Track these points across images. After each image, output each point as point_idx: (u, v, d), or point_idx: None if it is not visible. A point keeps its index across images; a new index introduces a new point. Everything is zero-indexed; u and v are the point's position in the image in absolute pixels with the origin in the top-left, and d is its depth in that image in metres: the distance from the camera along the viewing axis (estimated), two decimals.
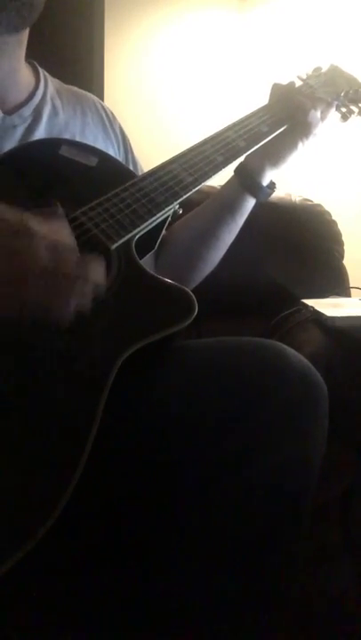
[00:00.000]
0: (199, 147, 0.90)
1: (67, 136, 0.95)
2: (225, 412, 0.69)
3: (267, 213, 1.34)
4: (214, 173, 0.88)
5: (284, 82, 1.05)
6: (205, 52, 1.96)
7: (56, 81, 1.02)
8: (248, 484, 0.68)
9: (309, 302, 1.15)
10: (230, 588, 0.71)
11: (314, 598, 0.97)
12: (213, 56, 1.98)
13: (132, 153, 1.06)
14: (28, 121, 0.91)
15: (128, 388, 0.69)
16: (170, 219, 0.86)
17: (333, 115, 1.12)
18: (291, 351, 0.74)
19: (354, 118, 1.12)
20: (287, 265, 1.38)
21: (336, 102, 1.05)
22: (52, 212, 0.68)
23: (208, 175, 0.87)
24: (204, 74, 1.96)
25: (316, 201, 1.49)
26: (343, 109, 1.11)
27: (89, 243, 0.74)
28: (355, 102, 1.12)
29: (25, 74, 0.96)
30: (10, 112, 0.90)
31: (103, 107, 1.05)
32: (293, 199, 1.45)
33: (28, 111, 0.92)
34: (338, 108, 1.11)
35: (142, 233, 0.79)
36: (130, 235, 0.76)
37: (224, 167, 0.90)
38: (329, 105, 1.01)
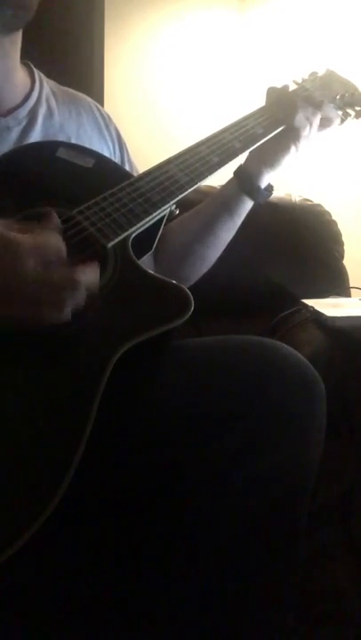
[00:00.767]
0: (195, 147, 0.91)
1: (62, 137, 0.95)
2: (224, 411, 0.69)
3: (267, 213, 1.34)
4: (210, 174, 0.89)
5: (281, 84, 1.05)
6: (205, 52, 1.96)
7: (51, 82, 1.02)
8: (247, 483, 0.68)
9: (309, 302, 1.15)
10: (230, 588, 0.71)
11: (314, 598, 0.97)
12: (213, 56, 1.98)
13: (128, 154, 1.06)
14: (23, 123, 0.92)
15: (127, 387, 0.69)
16: (166, 219, 0.87)
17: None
18: (290, 351, 0.75)
19: (350, 121, 1.13)
20: (287, 265, 1.38)
21: (331, 105, 1.06)
22: (45, 212, 0.68)
23: (204, 175, 0.88)
24: (204, 74, 1.96)
25: (316, 201, 1.49)
26: (339, 112, 1.12)
27: (85, 241, 0.74)
28: (351, 105, 1.13)
29: (20, 75, 0.96)
30: (5, 114, 0.91)
31: (98, 108, 1.06)
32: (293, 199, 1.45)
33: (23, 113, 0.92)
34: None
35: (139, 233, 0.79)
36: (126, 233, 0.77)
37: (220, 168, 0.90)
38: (317, 108, 1.01)
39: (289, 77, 1.10)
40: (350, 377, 1.01)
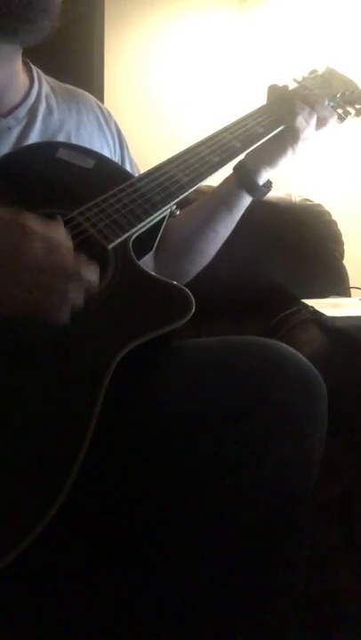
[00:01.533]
0: (195, 148, 0.91)
1: (62, 134, 0.95)
2: (225, 412, 0.69)
3: (267, 213, 1.34)
4: (210, 174, 0.89)
5: (281, 84, 1.05)
6: (205, 52, 1.96)
7: (50, 79, 1.02)
8: (248, 483, 0.68)
9: (309, 302, 1.15)
10: (230, 588, 0.71)
11: (314, 598, 0.97)
12: (213, 56, 1.98)
13: (128, 151, 1.06)
14: (23, 122, 0.92)
15: (128, 388, 0.69)
16: (167, 219, 0.87)
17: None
18: (291, 351, 0.75)
19: (350, 119, 1.13)
20: (287, 265, 1.38)
21: (327, 103, 1.06)
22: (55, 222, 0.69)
23: (204, 176, 0.88)
24: (204, 74, 1.96)
25: (316, 201, 1.49)
26: (340, 110, 1.12)
27: (86, 243, 0.74)
28: (351, 103, 1.13)
29: (21, 76, 0.96)
30: (5, 114, 0.91)
31: (98, 105, 1.05)
32: (293, 199, 1.45)
33: (22, 112, 0.92)
34: (334, 110, 1.12)
35: (140, 233, 0.79)
36: (127, 234, 0.77)
37: (220, 168, 0.90)
38: (312, 109, 1.00)
39: (289, 77, 1.10)
40: (350, 377, 1.01)
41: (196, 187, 0.87)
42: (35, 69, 1.00)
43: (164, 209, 0.82)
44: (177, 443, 0.69)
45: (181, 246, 1.02)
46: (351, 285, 1.42)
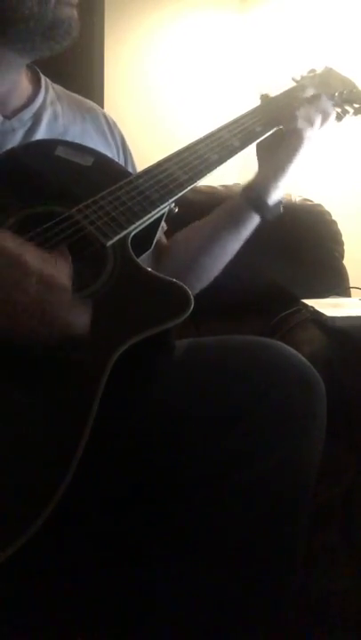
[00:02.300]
0: (194, 146, 0.91)
1: None
2: (225, 412, 0.69)
3: None
4: (209, 172, 0.89)
5: (280, 84, 1.05)
6: (206, 52, 1.96)
7: (58, 87, 1.03)
8: (247, 483, 0.68)
9: (309, 302, 1.15)
10: (230, 588, 0.71)
11: (314, 598, 0.97)
12: (214, 56, 1.98)
13: (132, 162, 1.06)
14: (28, 125, 0.92)
15: (127, 387, 0.69)
16: (165, 217, 0.87)
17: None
18: (291, 351, 0.75)
19: (349, 118, 1.13)
20: (287, 265, 1.38)
21: (331, 102, 1.05)
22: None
23: (203, 174, 0.88)
24: (204, 74, 1.96)
25: (316, 201, 1.49)
26: (338, 109, 1.12)
27: (84, 240, 0.74)
28: (349, 102, 1.13)
29: (25, 79, 0.97)
30: (9, 116, 0.91)
31: (104, 115, 1.05)
32: (293, 199, 1.45)
33: (27, 115, 0.93)
34: (332, 108, 1.11)
35: (138, 231, 0.79)
36: (125, 231, 0.77)
37: (219, 166, 0.90)
38: (313, 105, 0.99)
39: (289, 77, 1.10)
40: (350, 377, 1.01)
41: (194, 185, 0.87)
42: (43, 77, 1.00)
43: (162, 206, 0.82)
44: (176, 442, 0.69)
45: (187, 262, 1.01)
46: (351, 285, 1.42)
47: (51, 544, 0.60)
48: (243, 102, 1.00)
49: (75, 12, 0.86)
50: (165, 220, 0.89)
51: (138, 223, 0.78)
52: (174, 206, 0.86)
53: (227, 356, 0.74)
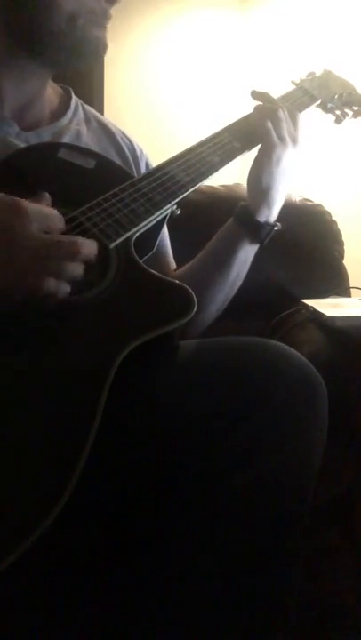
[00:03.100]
0: (196, 148, 0.91)
1: None
2: (226, 412, 0.69)
3: None
4: (211, 174, 0.89)
5: (280, 84, 1.05)
6: (205, 52, 1.96)
7: (90, 109, 1.03)
8: (248, 483, 0.68)
9: (309, 302, 1.15)
10: (230, 588, 0.71)
11: (314, 598, 0.97)
12: (214, 56, 1.98)
13: None
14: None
15: (129, 388, 0.69)
16: (168, 219, 0.87)
17: (328, 118, 1.12)
18: (291, 351, 0.74)
19: (348, 121, 1.14)
20: (287, 265, 1.38)
21: (330, 105, 1.05)
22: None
23: (205, 175, 0.88)
24: (204, 74, 1.96)
25: (316, 201, 1.49)
26: (338, 112, 1.12)
27: None
28: (349, 105, 1.14)
29: (49, 93, 0.97)
30: (26, 129, 0.91)
31: (132, 142, 1.05)
32: (293, 199, 1.45)
33: (47, 132, 0.93)
34: (332, 111, 1.12)
35: (141, 234, 0.80)
36: (129, 233, 0.77)
37: (221, 167, 0.91)
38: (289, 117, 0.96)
39: (289, 77, 1.10)
40: (350, 377, 1.01)
41: (196, 186, 0.87)
42: (75, 99, 1.01)
43: (165, 208, 0.82)
44: (178, 443, 0.69)
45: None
46: (351, 285, 1.42)
47: (50, 543, 0.60)
48: (243, 102, 1.00)
49: (104, 34, 0.87)
50: (168, 221, 0.89)
51: (141, 225, 0.79)
52: (177, 208, 0.87)
53: (227, 357, 0.74)
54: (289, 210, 1.40)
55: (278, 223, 1.00)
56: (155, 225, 0.83)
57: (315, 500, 0.75)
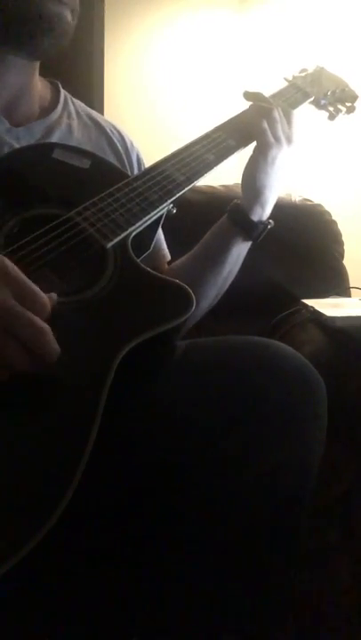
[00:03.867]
0: (191, 147, 0.91)
1: None
2: (225, 412, 0.69)
3: None
4: (206, 172, 0.89)
5: (280, 83, 1.05)
6: (205, 52, 1.96)
7: (79, 103, 1.03)
8: (248, 484, 0.68)
9: (309, 302, 1.15)
10: (230, 588, 0.71)
11: (314, 598, 0.97)
12: (213, 56, 1.98)
13: None
14: (36, 137, 0.92)
15: (128, 388, 0.69)
16: (164, 218, 0.87)
17: (321, 115, 1.12)
18: (291, 351, 0.74)
19: (341, 117, 1.14)
20: (287, 265, 1.38)
21: (324, 102, 1.05)
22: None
23: (200, 174, 0.88)
24: (204, 74, 1.96)
25: (316, 201, 1.49)
26: (331, 109, 1.12)
27: (84, 242, 0.74)
28: (341, 101, 1.13)
29: (37, 88, 0.96)
30: (17, 125, 0.91)
31: (122, 134, 1.05)
32: (293, 199, 1.45)
33: (38, 127, 0.93)
34: (325, 107, 1.12)
35: (137, 232, 0.80)
36: (125, 233, 0.77)
37: (215, 166, 0.91)
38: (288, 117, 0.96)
39: (288, 77, 1.11)
40: (350, 377, 1.01)
41: (192, 185, 0.87)
42: (63, 93, 1.00)
43: (161, 207, 0.82)
44: (177, 443, 0.69)
45: None
46: (351, 285, 1.43)
47: (50, 543, 0.60)
48: (241, 101, 1.00)
49: (62, 9, 0.85)
50: (165, 221, 0.89)
51: (138, 224, 0.79)
52: (173, 207, 0.87)
53: (227, 357, 0.74)
54: (289, 210, 1.41)
55: (271, 221, 0.99)
56: (151, 224, 0.83)
57: (315, 500, 0.75)
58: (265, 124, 0.94)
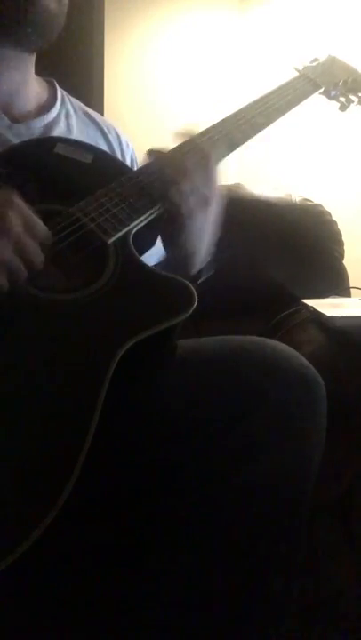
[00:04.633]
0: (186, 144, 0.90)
1: None
2: (225, 412, 0.69)
3: (267, 213, 1.34)
4: None
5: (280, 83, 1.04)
6: (205, 52, 1.96)
7: (75, 101, 1.03)
8: (248, 484, 0.68)
9: (309, 302, 1.15)
10: (230, 588, 0.70)
11: (314, 598, 0.97)
12: (213, 56, 1.98)
13: None
14: (37, 134, 0.91)
15: (129, 387, 0.69)
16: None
17: (332, 105, 1.09)
18: (291, 351, 0.74)
19: (353, 108, 1.11)
20: (287, 265, 1.38)
21: (334, 92, 1.03)
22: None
23: None
24: (204, 74, 1.96)
25: (316, 201, 1.49)
26: (342, 99, 1.09)
27: (85, 238, 0.73)
28: (354, 91, 1.10)
29: (34, 85, 0.96)
30: (16, 120, 0.91)
31: (117, 133, 1.05)
32: (293, 199, 1.45)
33: (38, 124, 0.92)
34: (336, 98, 1.09)
35: (140, 228, 0.79)
36: (127, 229, 0.76)
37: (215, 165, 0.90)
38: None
39: (288, 77, 1.10)
40: (350, 377, 1.01)
41: None
42: (60, 90, 1.00)
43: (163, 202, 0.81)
44: (177, 442, 0.69)
45: None
46: (351, 285, 1.43)
47: (51, 542, 0.60)
48: (242, 101, 1.00)
49: (54, 5, 0.85)
50: None
51: (139, 220, 0.78)
52: None
53: (226, 357, 0.74)
54: (289, 210, 1.41)
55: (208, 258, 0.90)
56: (154, 219, 0.82)
57: (315, 500, 0.75)
58: (177, 197, 0.78)
